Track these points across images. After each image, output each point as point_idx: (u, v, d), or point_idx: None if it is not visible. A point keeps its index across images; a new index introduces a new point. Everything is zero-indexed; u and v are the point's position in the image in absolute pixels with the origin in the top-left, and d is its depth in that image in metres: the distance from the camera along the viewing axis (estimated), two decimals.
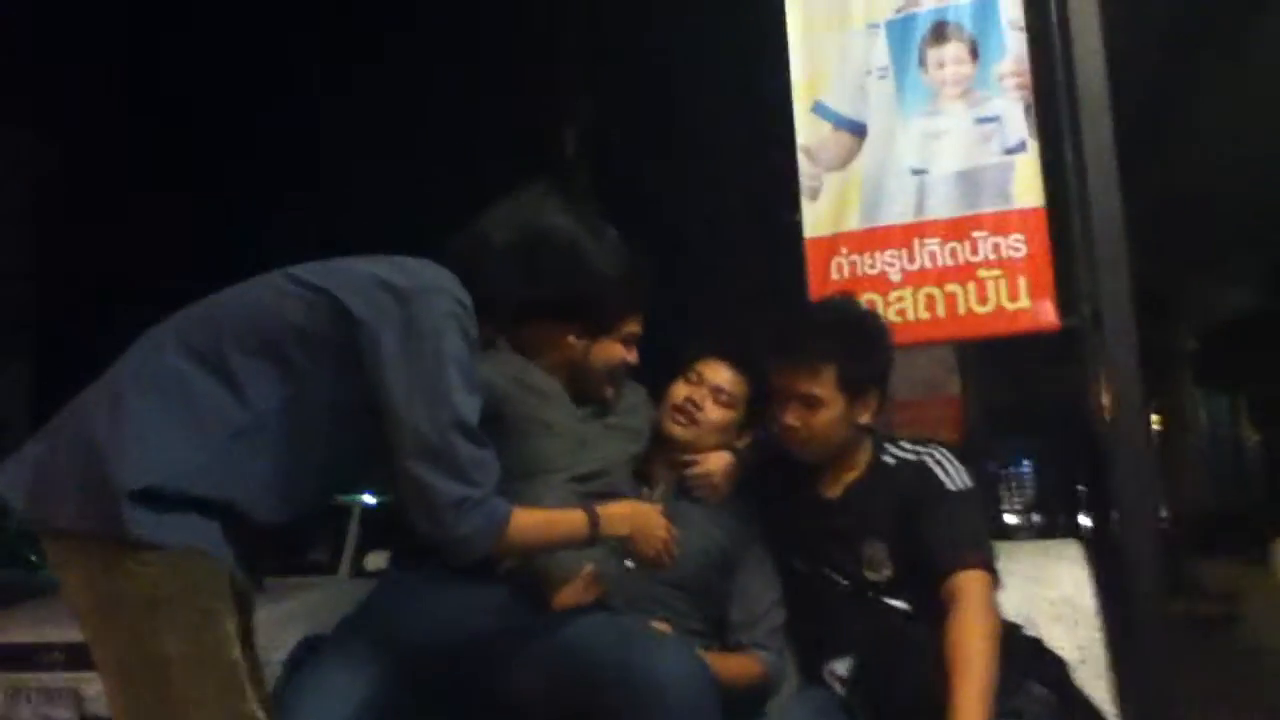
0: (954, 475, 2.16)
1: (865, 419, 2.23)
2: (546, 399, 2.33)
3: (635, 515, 2.00)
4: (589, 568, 2.19)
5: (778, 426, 2.25)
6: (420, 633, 2.02)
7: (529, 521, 1.84)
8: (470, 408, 1.73)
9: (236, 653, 1.66)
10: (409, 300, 1.73)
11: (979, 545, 2.08)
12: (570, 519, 1.92)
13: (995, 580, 2.05)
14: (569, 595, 2.18)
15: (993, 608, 2.00)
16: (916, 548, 2.10)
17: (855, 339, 2.24)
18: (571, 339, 2.12)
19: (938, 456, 2.20)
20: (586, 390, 2.38)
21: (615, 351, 2.34)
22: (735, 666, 2.25)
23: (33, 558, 13.89)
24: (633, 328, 2.35)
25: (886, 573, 2.13)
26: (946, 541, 2.06)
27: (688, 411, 2.38)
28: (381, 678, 1.94)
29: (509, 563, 2.12)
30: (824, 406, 2.17)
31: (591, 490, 2.28)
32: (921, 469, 2.19)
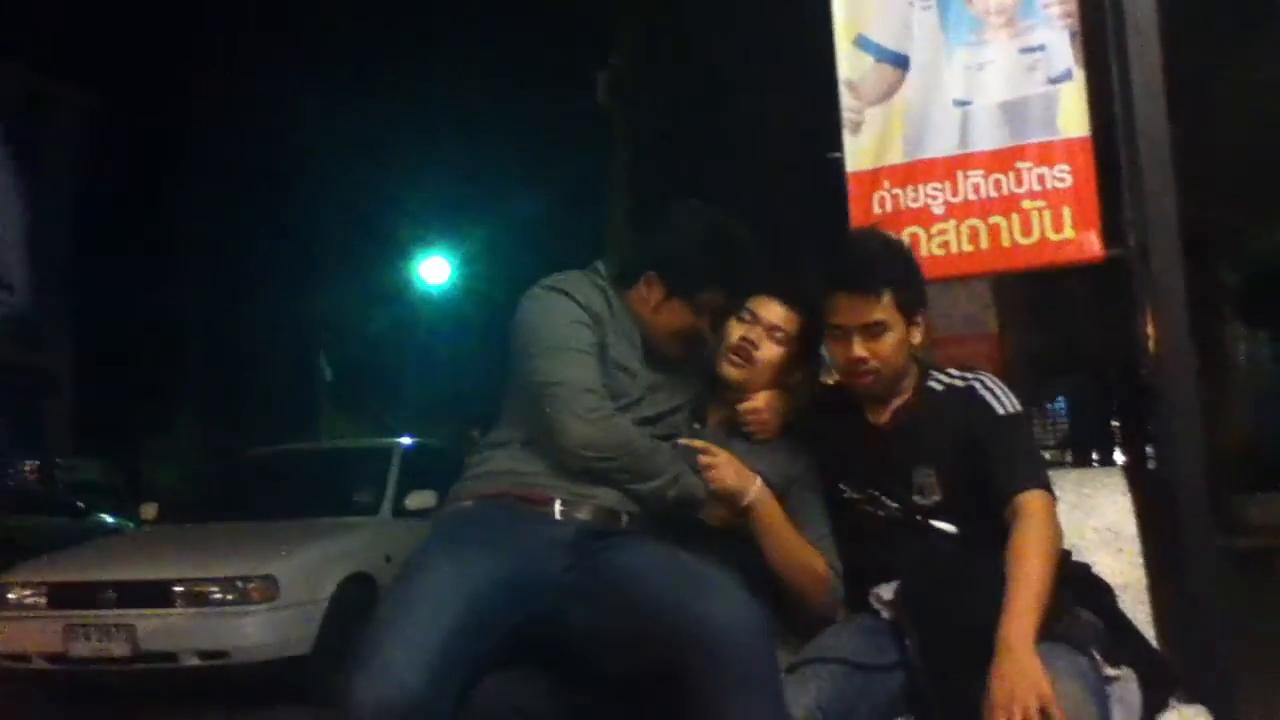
0: (1003, 400, 2.19)
1: (918, 339, 2.29)
2: (634, 346, 2.36)
3: None
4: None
5: (841, 363, 2.28)
6: (495, 565, 2.04)
7: None
8: None
9: None
10: None
11: (1036, 467, 2.12)
12: None
13: (1053, 499, 2.09)
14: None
15: (1054, 524, 2.03)
16: (970, 475, 2.13)
17: (903, 263, 2.31)
18: (645, 289, 2.34)
19: (986, 382, 2.23)
20: (657, 343, 2.40)
21: (685, 317, 2.36)
22: (806, 554, 2.32)
23: (80, 504, 14.29)
24: (711, 299, 2.36)
25: (935, 497, 2.17)
26: (1004, 467, 2.10)
27: (744, 351, 2.41)
28: (469, 602, 1.95)
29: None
30: (888, 331, 2.21)
31: (654, 433, 2.33)
32: (970, 394, 2.22)
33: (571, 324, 2.26)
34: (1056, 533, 2.03)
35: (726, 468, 2.30)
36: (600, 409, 2.19)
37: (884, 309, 2.21)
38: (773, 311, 2.44)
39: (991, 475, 2.10)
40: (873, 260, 2.27)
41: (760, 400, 2.43)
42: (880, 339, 2.21)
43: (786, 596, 2.32)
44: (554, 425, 2.17)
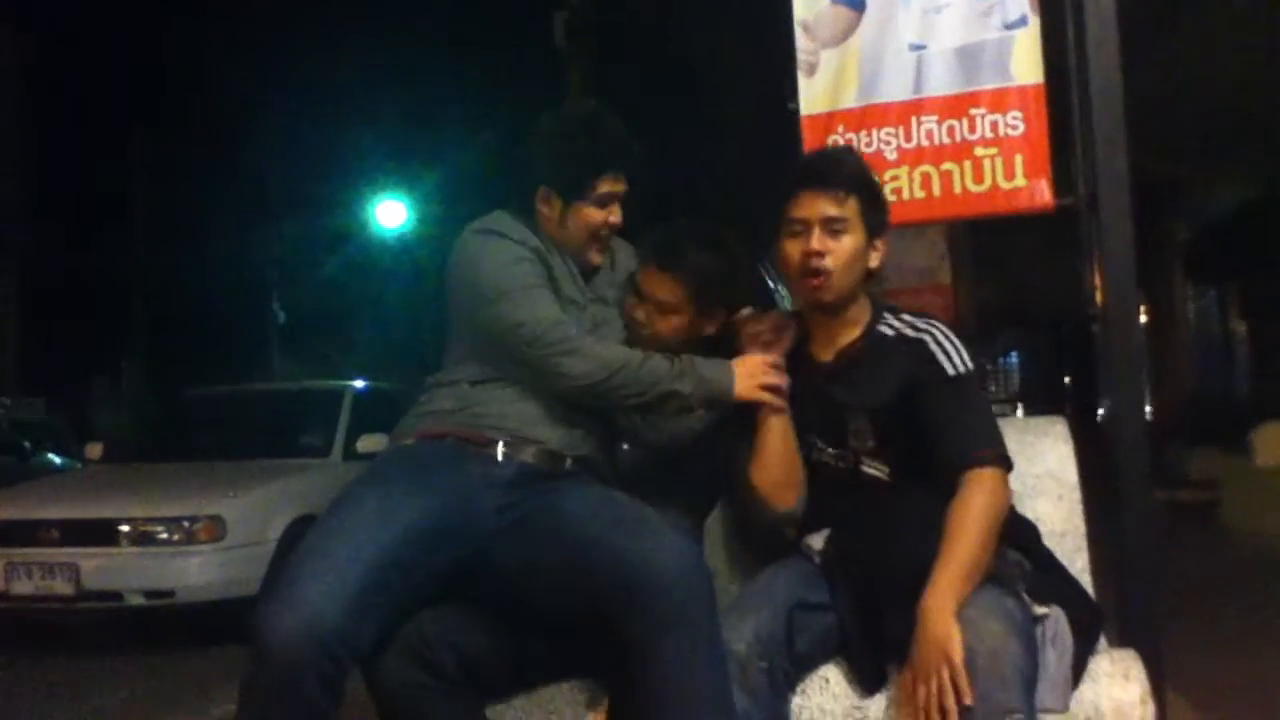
0: (955, 358, 2.11)
1: (875, 264, 2.22)
2: (573, 277, 2.32)
3: None
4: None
5: (795, 261, 2.17)
6: (425, 502, 2.02)
7: None
8: None
9: None
10: None
11: (990, 438, 2.05)
12: None
13: (1008, 467, 2.03)
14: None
15: (1002, 497, 1.99)
16: (909, 423, 2.08)
17: (871, 181, 2.26)
18: (544, 207, 2.29)
19: (938, 336, 2.14)
20: (576, 258, 2.33)
21: (592, 216, 2.29)
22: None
23: (26, 444, 14.06)
24: (608, 187, 2.30)
25: (870, 443, 2.14)
26: (956, 435, 2.03)
27: (638, 329, 2.35)
28: (394, 538, 1.94)
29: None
30: (848, 233, 2.15)
31: None
32: (921, 349, 2.13)
33: (518, 262, 2.21)
34: (1003, 505, 1.99)
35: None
36: (576, 338, 2.16)
37: (848, 209, 2.16)
38: (658, 287, 2.32)
39: (941, 443, 2.03)
40: (843, 162, 2.23)
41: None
42: (839, 238, 2.14)
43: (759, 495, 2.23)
44: (545, 368, 2.14)
